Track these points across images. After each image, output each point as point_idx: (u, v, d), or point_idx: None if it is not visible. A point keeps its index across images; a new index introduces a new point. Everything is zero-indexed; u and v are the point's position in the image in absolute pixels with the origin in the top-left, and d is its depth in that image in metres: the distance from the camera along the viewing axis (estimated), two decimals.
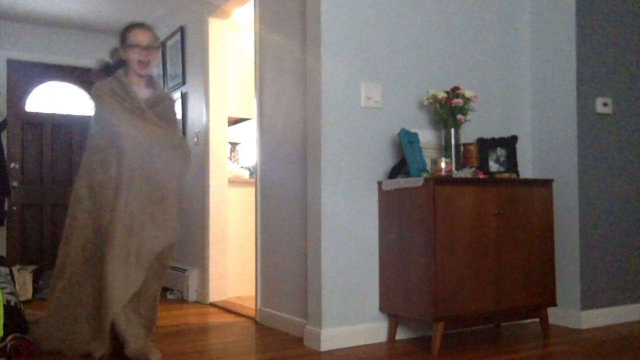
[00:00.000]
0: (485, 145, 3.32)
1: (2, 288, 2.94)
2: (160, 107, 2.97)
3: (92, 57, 6.07)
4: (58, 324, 2.84)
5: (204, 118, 4.62)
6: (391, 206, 3.04)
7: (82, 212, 2.84)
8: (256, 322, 3.66)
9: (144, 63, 2.92)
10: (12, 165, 5.57)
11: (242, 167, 5.33)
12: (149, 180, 2.78)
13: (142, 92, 2.94)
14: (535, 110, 3.71)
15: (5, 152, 5.29)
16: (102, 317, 2.67)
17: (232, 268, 4.60)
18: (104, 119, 2.85)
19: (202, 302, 4.51)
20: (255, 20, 3.87)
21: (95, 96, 2.90)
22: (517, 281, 3.03)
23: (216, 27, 4.65)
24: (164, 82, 5.50)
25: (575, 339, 3.16)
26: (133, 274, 2.67)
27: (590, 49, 3.53)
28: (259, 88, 3.79)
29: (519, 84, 3.72)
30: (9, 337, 2.70)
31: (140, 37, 2.92)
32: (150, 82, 3.02)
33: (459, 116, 3.13)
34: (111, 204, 2.71)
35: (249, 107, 4.77)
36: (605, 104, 3.56)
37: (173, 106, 3.12)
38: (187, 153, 2.96)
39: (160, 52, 2.78)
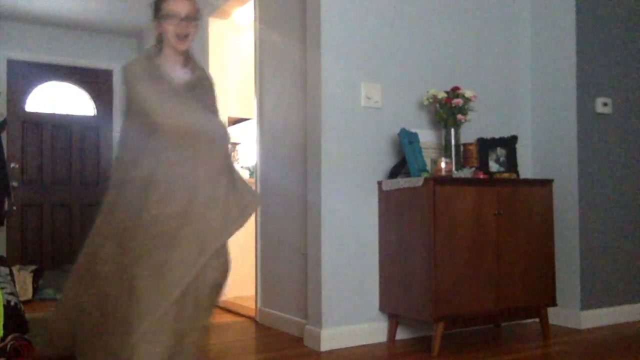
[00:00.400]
0: (485, 145, 3.33)
1: (2, 288, 2.94)
2: (200, 90, 2.55)
3: (92, 57, 6.10)
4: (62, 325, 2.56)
5: None
6: (391, 206, 3.04)
7: (108, 215, 2.42)
8: (256, 322, 3.66)
9: (182, 37, 2.44)
10: (12, 165, 5.57)
11: (242, 167, 5.33)
12: (189, 182, 2.34)
13: (180, 72, 2.51)
14: (535, 110, 3.71)
15: (5, 152, 5.29)
16: (123, 334, 2.22)
17: (232, 268, 4.59)
18: (137, 106, 2.40)
19: None
20: (255, 20, 3.87)
21: (125, 80, 2.44)
22: (517, 281, 3.03)
23: (216, 27, 4.65)
24: None
25: (575, 339, 3.16)
26: (168, 285, 2.22)
27: (590, 49, 3.53)
28: (259, 88, 3.79)
29: (519, 84, 3.72)
30: (9, 337, 2.70)
31: (178, 6, 2.44)
32: (188, 60, 2.56)
33: (459, 116, 3.13)
34: (136, 204, 2.30)
35: (249, 107, 4.77)
36: (605, 104, 3.56)
37: (214, 89, 2.68)
38: (228, 146, 2.54)
39: (199, 25, 2.52)
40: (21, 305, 3.05)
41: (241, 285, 4.56)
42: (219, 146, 2.44)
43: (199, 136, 2.38)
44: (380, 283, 3.10)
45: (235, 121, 5.31)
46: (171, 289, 2.20)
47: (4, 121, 5.34)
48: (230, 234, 2.39)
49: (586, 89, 3.50)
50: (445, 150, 3.16)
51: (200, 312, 2.33)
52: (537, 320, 3.23)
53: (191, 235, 2.27)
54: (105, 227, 2.44)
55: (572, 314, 3.42)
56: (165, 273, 2.22)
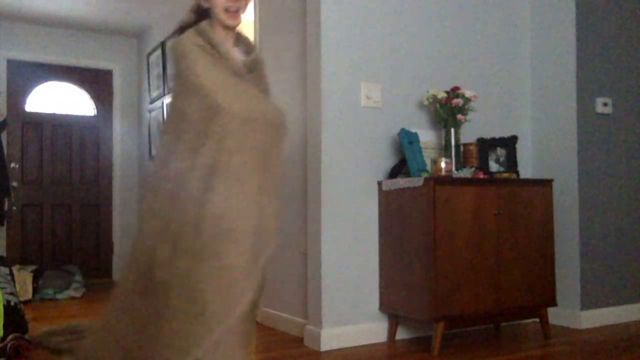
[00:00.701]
0: (485, 145, 3.33)
1: (2, 288, 2.94)
2: (256, 73, 2.30)
3: (92, 57, 6.10)
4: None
5: None
6: (391, 206, 3.04)
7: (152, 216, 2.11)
8: (256, 322, 3.66)
9: (233, 11, 2.19)
10: (12, 165, 5.57)
11: None
12: (257, 170, 2.11)
13: (235, 52, 2.26)
14: (535, 110, 3.71)
15: (5, 152, 5.29)
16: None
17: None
18: (194, 86, 2.10)
19: None
20: (255, 20, 3.87)
21: (179, 56, 2.15)
22: (517, 281, 3.03)
23: None
24: (163, 82, 5.50)
25: (575, 339, 3.16)
26: (237, 291, 1.96)
27: (590, 49, 3.53)
28: None
29: (519, 84, 3.72)
30: (9, 337, 2.70)
31: None
32: (239, 39, 2.30)
33: (459, 116, 3.13)
34: (199, 198, 2.00)
35: None
36: (605, 104, 3.56)
37: (265, 72, 2.45)
38: (286, 133, 2.30)
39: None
40: (21, 305, 3.05)
41: None
42: (281, 135, 2.23)
43: (261, 123, 2.15)
44: (380, 283, 3.10)
45: None
46: (240, 296, 1.94)
47: (4, 121, 5.34)
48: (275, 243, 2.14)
49: (586, 89, 3.50)
50: (445, 150, 3.16)
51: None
52: (537, 320, 3.23)
53: (253, 235, 2.02)
54: (156, 226, 2.08)
55: (572, 314, 3.42)
56: (233, 277, 1.94)
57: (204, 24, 2.23)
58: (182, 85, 2.14)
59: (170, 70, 2.22)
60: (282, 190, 3.51)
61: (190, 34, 2.19)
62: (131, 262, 2.16)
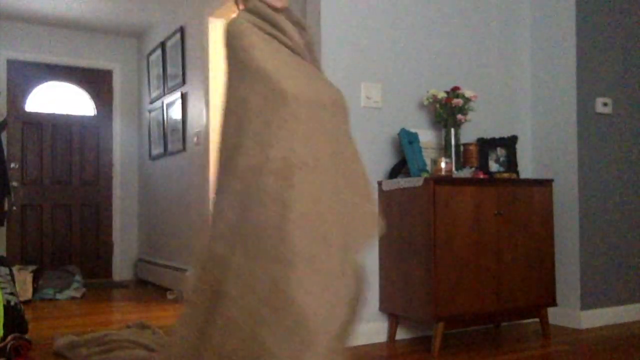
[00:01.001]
0: (485, 145, 3.33)
1: (2, 288, 2.94)
2: (312, 56, 2.11)
3: (92, 57, 6.11)
4: None
5: (204, 118, 4.62)
6: (391, 206, 3.04)
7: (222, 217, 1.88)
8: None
9: None
10: (12, 165, 5.58)
11: None
12: (334, 159, 1.88)
13: None
14: (535, 110, 3.71)
15: (5, 152, 5.30)
16: None
17: None
18: (256, 71, 1.89)
19: None
20: None
21: (233, 37, 1.94)
22: (517, 281, 3.03)
23: (216, 27, 4.65)
24: (163, 82, 5.50)
25: (575, 339, 3.16)
26: (338, 299, 1.73)
27: (590, 49, 3.54)
28: None
29: (519, 84, 3.72)
30: (9, 337, 2.70)
31: None
32: (291, 18, 2.09)
33: (459, 116, 3.13)
34: (279, 197, 1.77)
35: None
36: (605, 104, 3.56)
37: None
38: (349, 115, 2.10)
39: None
40: (21, 305, 3.05)
41: None
42: (346, 117, 2.03)
43: (329, 106, 1.94)
44: (380, 283, 3.10)
45: None
46: (341, 303, 1.72)
47: (4, 121, 5.34)
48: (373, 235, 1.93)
49: (586, 89, 3.50)
50: (445, 150, 3.16)
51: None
52: (537, 320, 3.23)
53: (343, 235, 1.81)
54: (225, 231, 1.85)
55: (572, 314, 3.42)
56: (335, 282, 1.72)
57: (257, 1, 2.01)
58: (241, 70, 1.92)
59: (225, 54, 1.98)
60: None
61: (244, 13, 1.99)
62: (200, 273, 1.90)
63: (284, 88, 1.83)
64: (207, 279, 1.86)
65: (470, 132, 3.39)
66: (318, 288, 1.67)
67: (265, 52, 1.90)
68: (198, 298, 1.88)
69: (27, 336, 2.86)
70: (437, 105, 3.18)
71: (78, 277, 5.05)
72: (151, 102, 5.82)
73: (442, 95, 3.16)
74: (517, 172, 3.29)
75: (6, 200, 4.99)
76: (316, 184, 1.78)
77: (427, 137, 3.26)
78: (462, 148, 3.21)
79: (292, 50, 1.99)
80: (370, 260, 3.10)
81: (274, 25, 1.97)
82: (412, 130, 3.17)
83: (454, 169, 3.07)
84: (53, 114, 5.94)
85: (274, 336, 1.64)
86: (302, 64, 1.99)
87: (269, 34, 1.95)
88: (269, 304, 1.67)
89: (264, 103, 1.84)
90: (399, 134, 3.09)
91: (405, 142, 3.05)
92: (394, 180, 3.02)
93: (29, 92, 5.84)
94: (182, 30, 5.11)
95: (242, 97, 1.90)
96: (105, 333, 2.89)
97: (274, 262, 1.70)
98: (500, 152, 3.33)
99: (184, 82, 5.07)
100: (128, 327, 3.30)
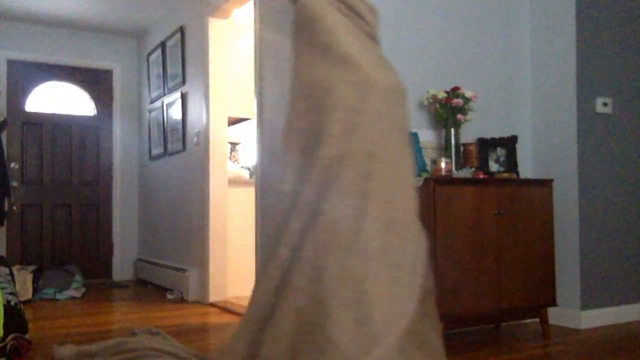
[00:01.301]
0: (485, 145, 3.33)
1: (2, 288, 2.94)
2: (377, 39, 1.98)
3: (92, 57, 6.10)
4: None
5: (204, 118, 4.62)
6: None
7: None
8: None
9: None
10: (12, 165, 5.58)
11: (242, 167, 5.33)
12: (402, 152, 1.82)
13: None
14: (535, 110, 3.71)
15: (5, 152, 5.30)
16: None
17: (232, 268, 4.60)
18: (335, 55, 1.79)
19: (202, 302, 4.51)
20: (255, 20, 3.87)
21: (311, 18, 1.86)
22: (517, 281, 3.03)
23: (216, 27, 4.65)
24: (163, 82, 5.50)
25: (575, 339, 3.16)
26: (405, 294, 1.69)
27: (590, 49, 3.53)
28: (259, 88, 3.79)
29: (519, 84, 3.72)
30: (9, 337, 2.70)
31: None
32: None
33: (459, 116, 3.13)
34: (359, 190, 1.72)
35: (249, 107, 4.78)
36: (605, 104, 3.56)
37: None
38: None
39: None
40: (21, 305, 3.05)
41: (241, 285, 4.56)
42: (406, 106, 1.93)
43: (399, 93, 1.86)
44: None
45: (235, 121, 5.31)
46: (410, 297, 1.67)
47: (4, 121, 5.34)
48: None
49: (586, 89, 3.50)
50: (445, 150, 3.16)
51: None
52: (537, 320, 3.23)
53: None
54: (298, 225, 1.75)
55: (572, 314, 3.42)
56: (406, 278, 1.67)
57: None
58: (321, 54, 1.81)
59: (297, 33, 1.92)
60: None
61: None
62: (270, 266, 1.82)
63: (372, 74, 1.76)
64: (272, 272, 1.80)
65: (470, 132, 3.39)
66: (390, 282, 1.63)
67: (348, 36, 1.79)
68: (262, 291, 1.81)
69: (27, 336, 2.86)
70: (437, 105, 3.18)
71: (78, 277, 5.05)
72: (151, 102, 5.82)
73: (442, 95, 3.15)
74: (517, 172, 3.29)
75: (6, 200, 4.99)
76: (391, 177, 1.74)
77: (427, 137, 3.26)
78: (462, 148, 3.21)
79: (366, 32, 1.89)
80: None
81: (350, 6, 1.86)
82: (412, 130, 3.17)
83: (454, 169, 3.07)
84: (53, 114, 5.93)
85: (339, 327, 1.59)
86: (376, 48, 1.90)
87: (345, 16, 1.85)
88: (338, 295, 1.62)
89: (351, 90, 1.76)
90: None
91: None
92: None
93: (29, 92, 5.84)
94: (182, 30, 5.11)
95: (323, 81, 1.80)
96: (120, 341, 2.66)
97: (348, 253, 1.65)
98: (500, 152, 3.33)
99: (184, 82, 5.07)
100: (134, 333, 3.02)
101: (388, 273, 1.65)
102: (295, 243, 1.74)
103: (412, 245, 1.74)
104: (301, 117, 1.85)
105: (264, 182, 3.72)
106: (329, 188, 1.72)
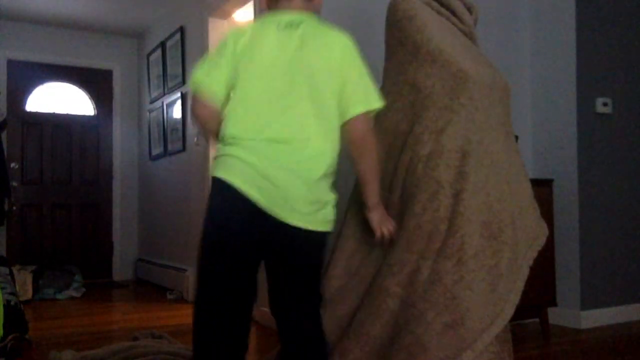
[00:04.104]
0: None
1: (2, 288, 2.94)
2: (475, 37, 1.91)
3: (92, 57, 6.10)
4: None
5: None
6: None
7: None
8: (256, 322, 3.66)
9: None
10: (12, 165, 5.57)
11: None
12: (504, 151, 1.73)
13: None
14: (535, 110, 3.71)
15: (5, 152, 5.29)
16: None
17: None
18: (427, 53, 1.73)
19: None
20: (255, 20, 3.86)
21: (402, 17, 1.80)
22: None
23: (216, 27, 4.65)
24: (163, 82, 5.50)
25: (575, 339, 3.15)
26: (499, 299, 1.64)
27: (590, 49, 3.53)
28: None
29: (519, 84, 3.72)
30: (9, 337, 2.70)
31: None
32: None
33: None
34: (452, 190, 1.65)
35: None
36: (605, 104, 3.56)
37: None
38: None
39: None
40: (21, 305, 3.05)
41: None
42: (510, 105, 1.85)
43: (500, 90, 1.79)
44: None
45: None
46: (504, 305, 1.62)
47: (4, 121, 5.33)
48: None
49: (586, 89, 3.50)
50: None
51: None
52: (537, 320, 3.23)
53: (513, 230, 1.68)
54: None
55: (572, 314, 3.41)
56: (501, 282, 1.61)
57: None
58: (412, 53, 1.75)
59: (389, 33, 1.89)
60: None
61: None
62: (349, 264, 1.77)
63: (465, 70, 1.68)
64: (362, 271, 1.75)
65: None
66: (482, 286, 1.57)
67: (440, 33, 1.73)
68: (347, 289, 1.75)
69: (27, 336, 2.86)
70: None
71: (78, 277, 5.05)
72: (151, 102, 5.82)
73: None
74: None
75: (6, 200, 4.99)
76: (488, 177, 1.65)
77: None
78: None
79: (462, 31, 1.83)
80: None
81: (444, 4, 1.82)
82: None
83: None
84: (53, 114, 5.93)
85: (428, 331, 1.55)
86: (472, 46, 1.82)
87: (439, 13, 1.79)
88: (428, 299, 1.58)
89: (441, 87, 1.69)
90: None
91: None
92: None
93: (29, 92, 5.84)
94: (182, 30, 5.11)
95: (414, 81, 1.76)
96: (129, 345, 2.57)
97: (440, 256, 1.60)
98: None
99: (184, 82, 5.07)
100: (136, 337, 2.94)
101: (482, 278, 1.59)
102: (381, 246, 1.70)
103: (509, 250, 1.65)
104: (391, 116, 1.81)
105: None
106: (417, 188, 1.67)
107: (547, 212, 3.17)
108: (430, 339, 1.56)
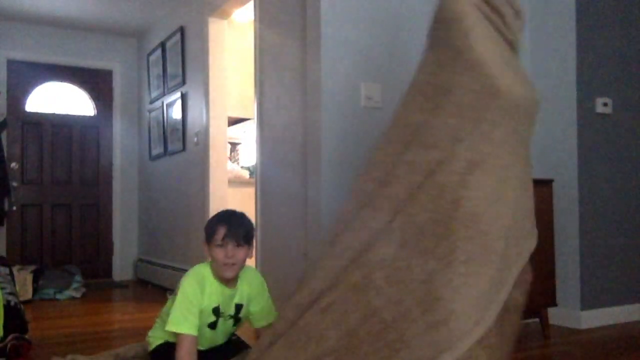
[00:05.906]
0: None
1: (2, 288, 2.94)
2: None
3: (92, 57, 6.10)
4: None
5: (204, 118, 4.62)
6: None
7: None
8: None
9: None
10: (12, 165, 5.57)
11: (242, 167, 5.34)
12: (518, 168, 1.79)
13: None
14: None
15: (5, 152, 5.30)
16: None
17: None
18: (465, 59, 1.70)
19: None
20: (255, 20, 3.87)
21: (450, 18, 1.74)
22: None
23: (216, 27, 4.65)
24: (163, 82, 5.50)
25: (575, 339, 3.15)
26: (486, 304, 1.66)
27: (590, 49, 3.53)
28: (259, 88, 3.79)
29: None
30: (9, 337, 2.70)
31: None
32: None
33: None
34: (453, 195, 1.68)
35: (249, 107, 4.77)
36: (605, 104, 3.56)
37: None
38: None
39: None
40: (21, 305, 3.05)
41: None
42: (534, 121, 1.87)
43: (528, 108, 1.79)
44: None
45: (235, 121, 5.32)
46: (486, 310, 1.63)
47: (4, 121, 5.34)
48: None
49: (586, 89, 3.50)
50: None
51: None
52: (537, 320, 3.23)
53: (504, 240, 1.72)
54: (379, 221, 1.73)
55: (572, 314, 3.41)
56: (482, 287, 1.63)
57: None
58: (452, 58, 1.73)
59: (434, 30, 1.82)
60: (282, 190, 3.52)
61: None
62: (346, 264, 1.80)
63: (498, 86, 1.67)
64: (357, 270, 1.75)
65: None
66: (470, 291, 1.59)
67: (484, 42, 1.71)
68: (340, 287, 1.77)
69: (27, 336, 2.86)
70: None
71: (78, 277, 5.05)
72: (151, 102, 5.82)
73: None
74: None
75: (6, 200, 4.99)
76: (492, 190, 1.67)
77: None
78: None
79: (506, 39, 1.81)
80: None
81: (494, 8, 1.77)
82: None
83: None
84: (53, 114, 5.93)
85: (413, 329, 1.59)
86: (512, 59, 1.81)
87: (487, 18, 1.76)
88: (416, 297, 1.61)
89: (470, 98, 1.69)
90: None
91: None
92: None
93: (29, 92, 5.84)
94: (182, 30, 5.11)
95: (445, 84, 1.74)
96: (142, 345, 2.52)
97: (432, 257, 1.63)
98: None
99: (184, 82, 5.07)
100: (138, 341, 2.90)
101: (470, 283, 1.61)
102: (379, 238, 1.72)
103: (499, 261, 1.68)
104: (411, 112, 1.81)
105: (264, 182, 3.72)
106: (420, 189, 1.69)
107: (547, 212, 3.17)
108: (414, 337, 1.59)
